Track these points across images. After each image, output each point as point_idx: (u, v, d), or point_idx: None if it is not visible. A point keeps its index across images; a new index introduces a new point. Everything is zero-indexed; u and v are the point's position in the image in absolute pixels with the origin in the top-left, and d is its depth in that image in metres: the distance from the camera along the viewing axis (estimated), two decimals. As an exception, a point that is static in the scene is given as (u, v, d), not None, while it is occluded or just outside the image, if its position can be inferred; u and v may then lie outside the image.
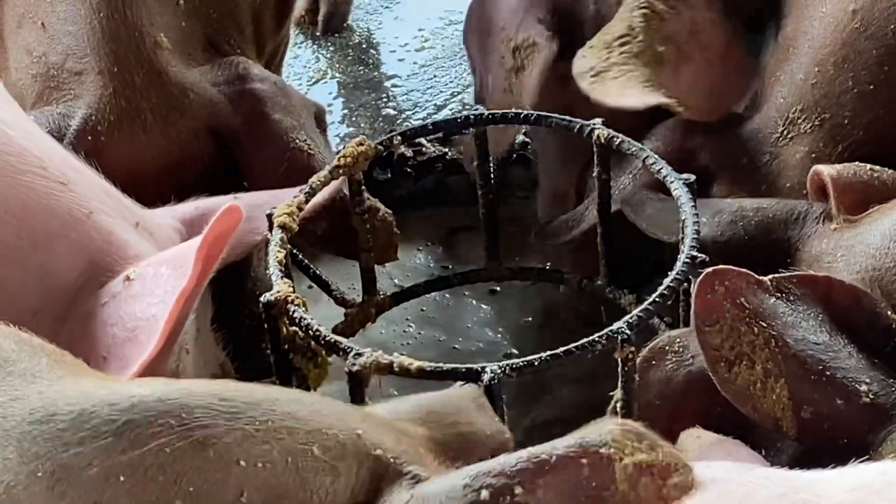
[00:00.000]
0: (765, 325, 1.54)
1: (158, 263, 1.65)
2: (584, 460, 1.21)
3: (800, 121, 1.99)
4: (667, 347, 1.69)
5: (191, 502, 1.12)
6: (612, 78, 1.97)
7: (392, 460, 1.24)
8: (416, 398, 1.46)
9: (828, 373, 1.53)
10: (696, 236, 1.77)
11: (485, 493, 1.17)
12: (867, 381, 1.53)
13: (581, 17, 2.11)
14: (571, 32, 2.11)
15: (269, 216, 1.83)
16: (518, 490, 1.20)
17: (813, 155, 1.95)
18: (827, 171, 1.82)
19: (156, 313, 1.57)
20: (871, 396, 1.52)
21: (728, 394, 1.56)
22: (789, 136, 2.00)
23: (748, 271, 1.57)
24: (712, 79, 2.06)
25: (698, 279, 1.56)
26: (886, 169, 1.83)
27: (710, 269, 1.57)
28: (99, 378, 1.25)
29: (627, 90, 1.95)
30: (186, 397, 1.16)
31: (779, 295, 1.59)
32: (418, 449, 1.32)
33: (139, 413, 1.12)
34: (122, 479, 1.08)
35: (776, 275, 1.61)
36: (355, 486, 1.21)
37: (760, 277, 1.58)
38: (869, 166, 1.83)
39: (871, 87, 1.94)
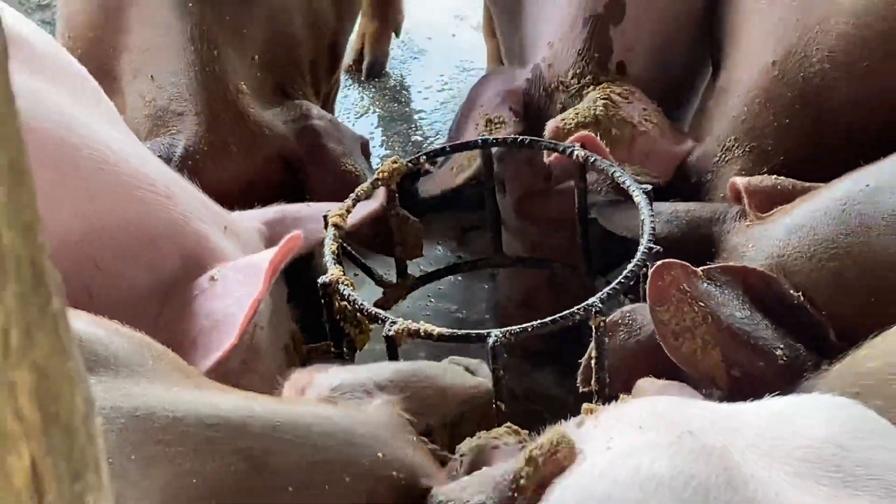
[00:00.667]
0: (702, 305, 1.58)
1: (237, 269, 1.69)
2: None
3: (734, 148, 2.00)
4: (619, 321, 1.71)
5: None
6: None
7: (405, 477, 1.27)
8: (396, 366, 1.48)
9: (751, 341, 1.58)
10: (652, 232, 1.78)
11: None
12: (781, 346, 1.58)
13: (551, 114, 2.07)
14: (539, 129, 2.05)
15: (325, 217, 1.86)
16: None
17: (743, 173, 1.94)
18: (740, 180, 1.84)
19: (234, 312, 1.61)
20: (785, 359, 1.57)
21: (676, 358, 1.59)
22: (726, 159, 2.01)
23: (688, 264, 1.60)
24: (663, 148, 2.04)
25: (651, 271, 1.59)
26: (789, 179, 1.83)
27: (659, 263, 1.60)
28: (192, 385, 1.26)
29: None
30: (260, 427, 1.17)
31: (710, 282, 1.61)
32: (427, 454, 1.34)
33: (219, 431, 1.14)
34: (192, 481, 1.10)
35: (706, 266, 1.64)
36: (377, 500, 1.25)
37: (696, 269, 1.60)
38: (774, 176, 1.85)
39: (788, 121, 1.95)
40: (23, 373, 0.47)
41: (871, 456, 1.09)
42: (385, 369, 1.45)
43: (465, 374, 1.50)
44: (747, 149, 1.98)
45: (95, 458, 0.53)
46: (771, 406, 1.21)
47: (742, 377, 1.58)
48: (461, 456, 1.35)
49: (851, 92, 1.91)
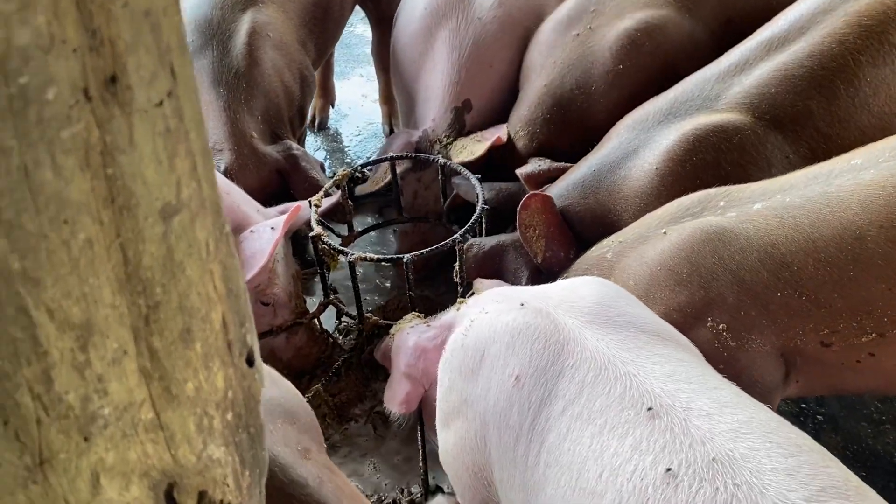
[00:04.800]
0: (543, 215, 1.57)
1: (265, 226, 1.66)
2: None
3: (520, 132, 1.94)
4: (471, 245, 1.69)
5: None
6: (463, 155, 1.96)
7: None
8: None
9: (561, 238, 1.59)
10: (484, 199, 1.77)
11: None
12: (575, 248, 1.58)
13: (431, 155, 2.01)
14: (424, 162, 2.01)
15: (310, 201, 1.82)
16: None
17: (524, 147, 1.89)
18: (519, 171, 1.82)
19: (263, 248, 1.60)
20: (573, 253, 1.56)
21: (523, 240, 1.55)
22: (517, 139, 1.94)
23: (545, 194, 1.57)
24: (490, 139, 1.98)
25: (525, 196, 1.56)
26: (554, 162, 1.81)
27: (530, 193, 1.55)
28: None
29: (471, 156, 1.93)
30: None
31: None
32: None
33: None
34: None
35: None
36: None
37: (543, 196, 1.58)
38: (546, 161, 1.83)
39: (549, 116, 1.90)
40: (216, 265, 0.45)
41: (625, 311, 1.06)
42: None
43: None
44: (526, 132, 1.93)
45: (248, 312, 0.51)
46: (563, 284, 1.17)
47: (550, 258, 1.57)
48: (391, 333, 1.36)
49: (584, 103, 1.87)
